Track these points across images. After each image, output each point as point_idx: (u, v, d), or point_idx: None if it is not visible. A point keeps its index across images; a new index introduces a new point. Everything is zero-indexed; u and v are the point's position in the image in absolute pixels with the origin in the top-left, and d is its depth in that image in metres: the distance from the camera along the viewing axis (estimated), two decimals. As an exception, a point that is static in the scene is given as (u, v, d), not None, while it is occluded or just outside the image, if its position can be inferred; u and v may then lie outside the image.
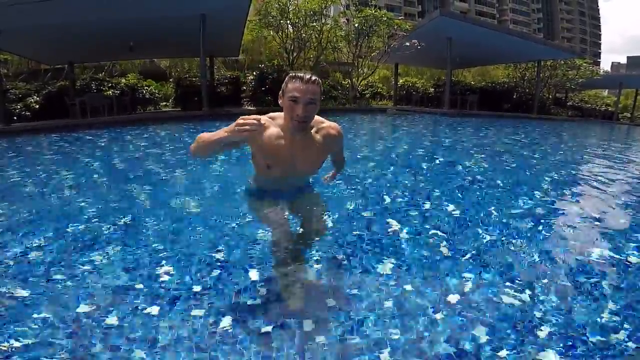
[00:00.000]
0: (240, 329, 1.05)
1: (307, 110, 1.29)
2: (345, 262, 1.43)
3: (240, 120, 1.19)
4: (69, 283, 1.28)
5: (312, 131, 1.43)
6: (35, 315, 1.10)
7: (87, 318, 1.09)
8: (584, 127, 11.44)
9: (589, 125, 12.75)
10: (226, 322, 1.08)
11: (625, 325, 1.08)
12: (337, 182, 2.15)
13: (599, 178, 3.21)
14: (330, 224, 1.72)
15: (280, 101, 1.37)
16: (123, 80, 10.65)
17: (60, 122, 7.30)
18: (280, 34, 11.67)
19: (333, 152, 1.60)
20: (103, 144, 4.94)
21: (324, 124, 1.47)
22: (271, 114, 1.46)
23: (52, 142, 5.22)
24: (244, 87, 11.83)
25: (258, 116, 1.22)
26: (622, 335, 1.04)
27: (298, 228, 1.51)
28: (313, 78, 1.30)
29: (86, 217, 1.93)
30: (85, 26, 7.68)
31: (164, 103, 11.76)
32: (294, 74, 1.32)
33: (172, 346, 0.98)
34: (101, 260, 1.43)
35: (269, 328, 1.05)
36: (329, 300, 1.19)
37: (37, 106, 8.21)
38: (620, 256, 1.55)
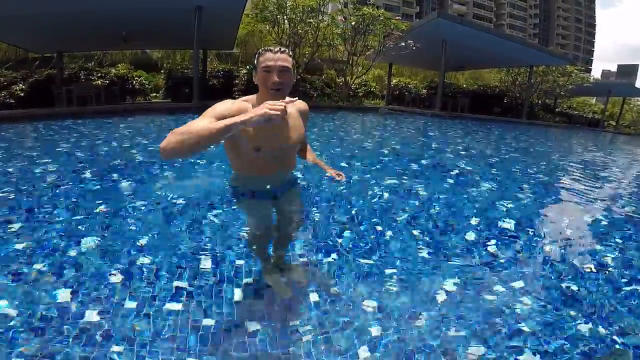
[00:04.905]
0: (224, 323, 1.05)
1: (281, 77, 1.33)
2: (330, 259, 1.46)
3: (269, 106, 1.09)
4: (45, 273, 1.27)
5: (287, 108, 1.47)
6: (8, 307, 1.07)
7: (63, 310, 1.07)
8: (572, 133, 11.68)
9: (576, 131, 13.01)
10: (209, 318, 1.07)
11: (607, 326, 1.11)
12: (325, 177, 2.13)
13: (581, 182, 3.31)
14: (309, 220, 1.74)
15: (254, 79, 1.40)
16: (113, 70, 10.48)
17: (44, 111, 7.17)
18: (276, 29, 11.59)
19: (302, 134, 1.61)
20: (86, 133, 4.88)
21: (293, 99, 1.53)
22: (244, 97, 1.48)
23: (34, 130, 5.14)
24: (237, 81, 11.75)
25: (287, 100, 1.18)
26: (598, 334, 1.08)
27: (279, 224, 1.53)
28: (282, 49, 1.35)
29: (66, 206, 1.92)
30: (77, 15, 7.51)
31: (154, 94, 11.62)
32: (263, 48, 1.38)
33: (152, 341, 0.97)
34: (80, 251, 1.42)
35: (254, 323, 1.05)
36: (313, 295, 1.21)
37: (23, 94, 8.04)
38: (600, 259, 1.61)
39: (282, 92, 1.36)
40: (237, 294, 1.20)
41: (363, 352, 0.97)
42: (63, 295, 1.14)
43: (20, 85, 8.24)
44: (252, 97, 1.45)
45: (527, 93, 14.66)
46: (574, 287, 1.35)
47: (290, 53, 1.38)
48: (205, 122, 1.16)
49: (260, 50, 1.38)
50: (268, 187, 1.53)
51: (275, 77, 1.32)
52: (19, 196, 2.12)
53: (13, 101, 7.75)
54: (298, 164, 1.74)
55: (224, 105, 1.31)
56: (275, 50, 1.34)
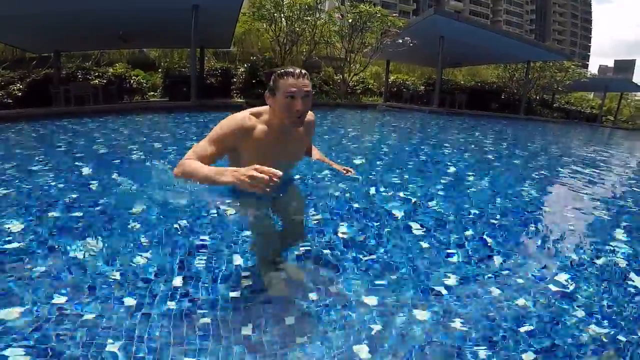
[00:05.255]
0: (221, 323, 1.05)
1: (305, 104, 1.31)
2: (328, 256, 1.45)
3: (253, 173, 1.03)
4: (43, 272, 1.27)
5: None
6: (6, 306, 1.07)
7: (61, 309, 1.07)
8: (570, 128, 11.72)
9: (574, 127, 13.06)
10: (207, 316, 1.07)
11: (608, 326, 1.10)
12: (324, 174, 2.12)
13: (580, 178, 3.33)
14: (310, 223, 1.72)
15: (268, 99, 1.36)
16: (110, 70, 10.46)
17: (42, 110, 7.15)
18: (273, 27, 11.58)
19: (306, 146, 1.63)
20: (83, 132, 4.87)
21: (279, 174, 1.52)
22: (256, 109, 1.44)
23: (32, 129, 5.14)
24: (234, 79, 11.73)
25: (274, 171, 1.05)
26: (601, 333, 1.06)
27: (280, 226, 1.52)
28: (303, 72, 1.32)
29: (64, 204, 1.92)
30: (74, 14, 7.49)
31: (152, 93, 11.60)
32: (283, 71, 1.31)
33: (149, 340, 0.96)
34: (78, 250, 1.42)
35: (250, 322, 1.05)
36: (312, 295, 1.20)
37: (20, 94, 8.02)
38: (603, 254, 1.59)
39: (303, 118, 1.34)
40: (236, 293, 1.20)
41: (363, 351, 0.97)
42: (61, 293, 1.14)
43: (18, 85, 8.22)
44: (263, 115, 1.40)
45: (525, 89, 14.70)
46: (577, 284, 1.34)
47: (308, 75, 1.34)
48: (208, 151, 1.29)
49: (279, 72, 1.31)
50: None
51: (299, 104, 1.28)
52: (17, 195, 2.12)
53: (11, 101, 7.73)
54: (303, 164, 1.74)
55: (229, 128, 1.32)
56: (297, 73, 1.29)
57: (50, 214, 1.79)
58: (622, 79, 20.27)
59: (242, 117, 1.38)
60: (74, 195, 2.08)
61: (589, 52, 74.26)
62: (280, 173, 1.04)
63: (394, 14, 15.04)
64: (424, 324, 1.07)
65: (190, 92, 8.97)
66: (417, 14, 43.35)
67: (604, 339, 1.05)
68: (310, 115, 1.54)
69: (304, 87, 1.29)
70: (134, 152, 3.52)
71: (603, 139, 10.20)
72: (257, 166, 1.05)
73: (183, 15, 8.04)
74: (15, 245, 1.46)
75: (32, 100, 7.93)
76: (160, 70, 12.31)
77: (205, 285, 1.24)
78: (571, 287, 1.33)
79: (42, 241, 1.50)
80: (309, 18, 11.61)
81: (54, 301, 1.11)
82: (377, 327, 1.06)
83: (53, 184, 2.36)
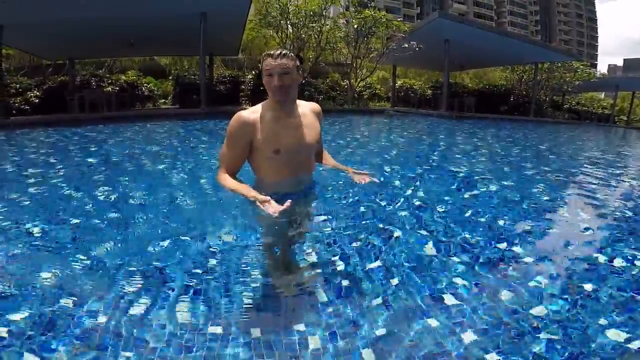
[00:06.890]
0: (231, 327, 1.04)
1: (282, 80, 1.42)
2: (336, 258, 1.44)
3: (270, 210, 1.26)
4: (58, 276, 1.27)
5: (299, 109, 1.57)
6: (19, 309, 1.06)
7: (72, 314, 1.07)
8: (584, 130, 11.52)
9: (586, 128, 12.84)
10: (217, 320, 1.07)
11: (621, 330, 1.06)
12: (337, 182, 2.09)
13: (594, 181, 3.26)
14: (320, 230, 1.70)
15: (263, 80, 1.49)
16: (123, 77, 10.71)
17: (58, 117, 7.34)
18: (280, 34, 11.73)
19: (318, 134, 1.65)
20: (98, 139, 4.97)
21: (305, 102, 1.64)
22: (255, 106, 1.55)
23: (48, 135, 5.26)
24: (243, 87, 11.88)
25: (279, 208, 1.27)
26: (616, 338, 1.02)
27: (294, 229, 1.54)
28: (283, 52, 1.44)
29: (78, 211, 1.93)
30: (87, 22, 7.73)
31: (163, 100, 11.82)
32: (266, 53, 1.45)
33: (160, 346, 0.96)
34: (90, 255, 1.42)
35: (260, 327, 1.04)
36: (321, 296, 1.20)
37: (37, 100, 8.25)
38: (619, 257, 1.54)
39: (286, 94, 1.45)
40: (244, 294, 1.20)
41: (368, 354, 0.95)
42: (71, 298, 1.15)
43: (35, 91, 8.46)
44: (264, 103, 1.53)
45: (534, 90, 14.57)
46: (594, 288, 1.29)
47: (291, 54, 1.46)
48: (229, 157, 1.50)
49: (263, 55, 1.47)
50: (289, 191, 1.53)
51: (276, 80, 1.41)
52: (32, 200, 2.14)
53: (28, 107, 7.95)
54: (316, 169, 1.73)
55: (235, 126, 1.47)
56: (276, 55, 1.42)
57: (62, 220, 1.78)
58: (633, 77, 19.86)
59: (243, 111, 1.50)
60: (87, 201, 2.08)
61: (597, 51, 73.27)
62: (288, 204, 1.24)
63: (399, 19, 15.12)
64: (432, 330, 1.05)
65: (200, 99, 9.12)
66: (421, 17, 43.48)
67: (622, 344, 1.00)
68: (315, 106, 1.67)
69: (281, 66, 1.41)
70: (146, 158, 3.54)
71: (618, 140, 10.00)
72: (269, 198, 1.28)
73: (192, 24, 8.22)
74: (29, 248, 1.46)
75: (48, 107, 8.15)
76: (170, 77, 12.57)
77: (215, 285, 1.23)
78: (593, 292, 1.27)
79: (56, 245, 1.50)
80: (314, 24, 11.74)
81: (63, 304, 1.11)
82: (384, 332, 1.04)
83: (66, 189, 2.36)
